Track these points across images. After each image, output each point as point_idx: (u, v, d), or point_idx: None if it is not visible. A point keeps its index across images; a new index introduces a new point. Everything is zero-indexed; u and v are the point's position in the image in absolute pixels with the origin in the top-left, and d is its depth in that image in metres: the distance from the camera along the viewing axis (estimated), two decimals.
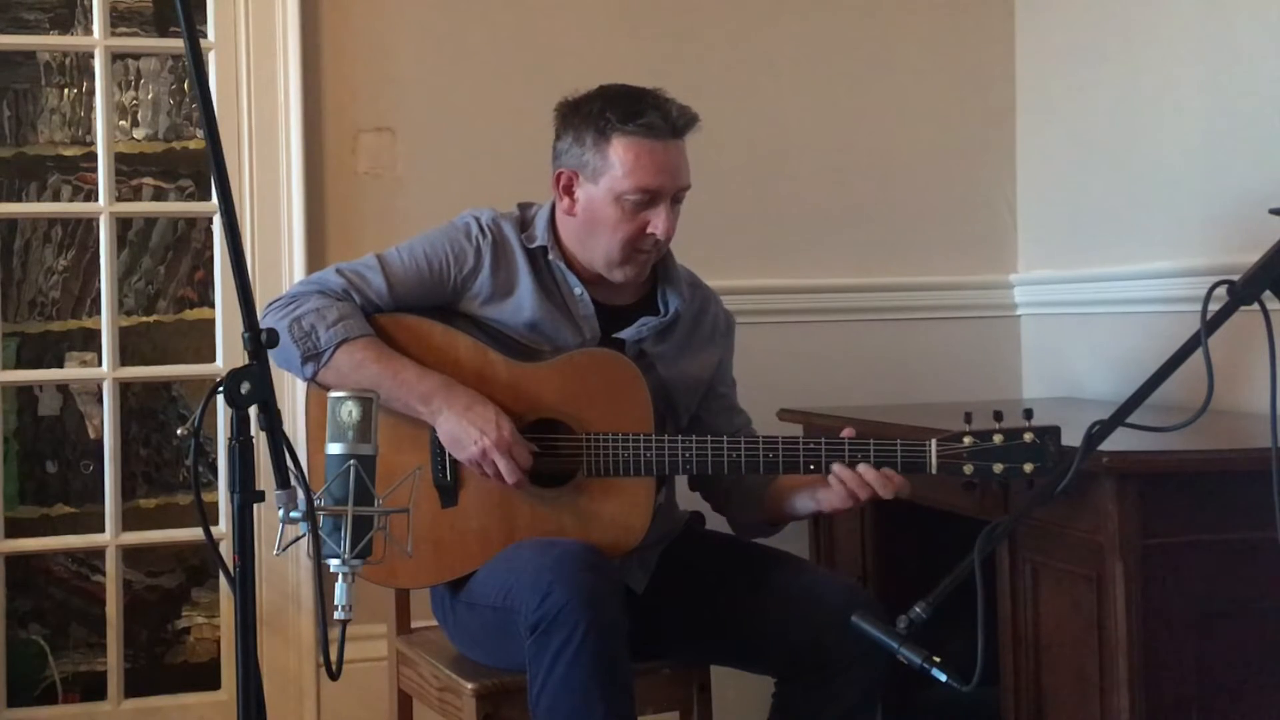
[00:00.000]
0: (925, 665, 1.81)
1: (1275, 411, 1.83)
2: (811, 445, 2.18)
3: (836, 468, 2.16)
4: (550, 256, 2.32)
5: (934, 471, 2.15)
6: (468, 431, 2.17)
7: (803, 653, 2.23)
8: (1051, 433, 2.12)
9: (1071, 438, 2.03)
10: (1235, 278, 1.86)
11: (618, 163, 2.21)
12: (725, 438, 2.21)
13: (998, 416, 2.12)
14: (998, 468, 2.12)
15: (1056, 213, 3.37)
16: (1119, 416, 1.87)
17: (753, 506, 2.38)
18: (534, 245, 2.32)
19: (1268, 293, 1.85)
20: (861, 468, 2.15)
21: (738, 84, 3.34)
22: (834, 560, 3.07)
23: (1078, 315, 3.28)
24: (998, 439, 2.12)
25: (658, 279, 2.38)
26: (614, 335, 2.32)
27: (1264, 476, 1.87)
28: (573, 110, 2.28)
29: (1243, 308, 1.86)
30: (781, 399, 3.13)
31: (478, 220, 2.34)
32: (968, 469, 2.13)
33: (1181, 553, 2.10)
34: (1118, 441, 1.92)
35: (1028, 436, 2.11)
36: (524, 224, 2.35)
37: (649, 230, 2.24)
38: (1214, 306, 1.84)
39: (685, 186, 2.27)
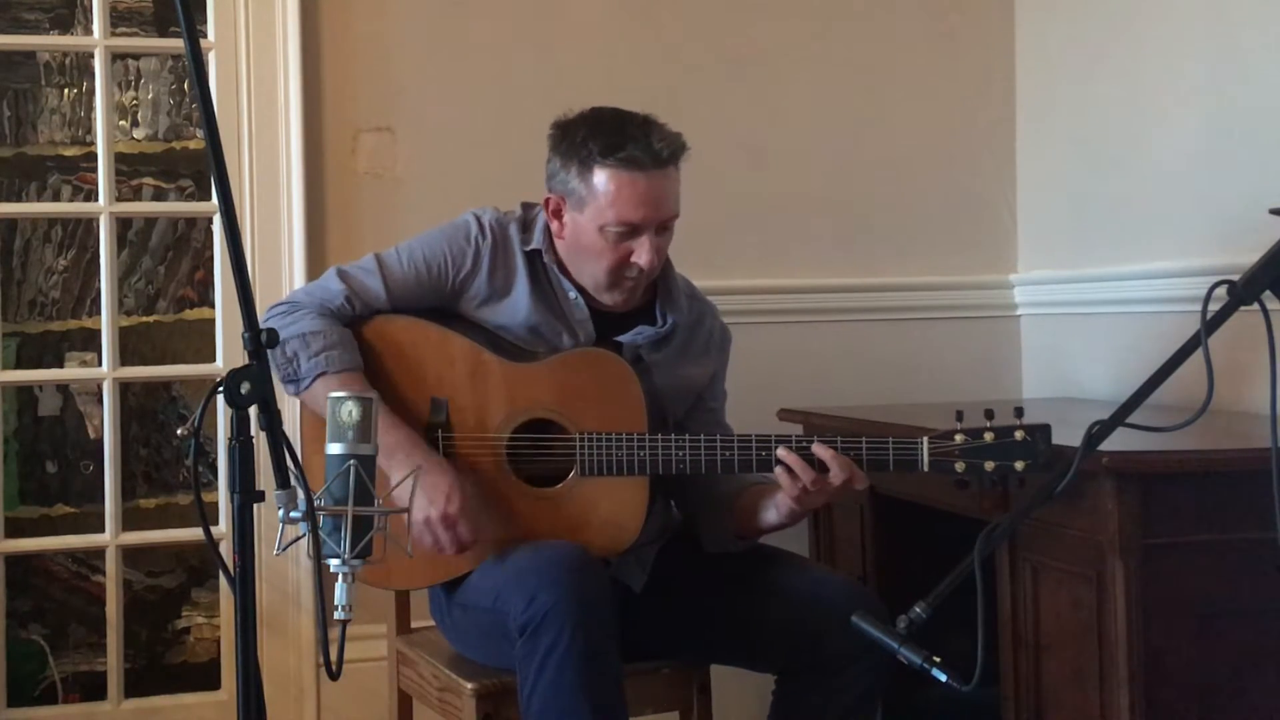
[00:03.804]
0: (925, 665, 1.81)
1: (1275, 411, 1.82)
2: (804, 443, 2.18)
3: (781, 452, 2.14)
4: (546, 260, 2.32)
5: (926, 469, 2.15)
6: (418, 497, 2.14)
7: (803, 651, 2.23)
8: (1042, 430, 2.12)
9: (1071, 438, 2.03)
10: (1235, 278, 1.86)
11: (600, 194, 2.20)
12: (719, 436, 2.21)
13: (989, 414, 2.13)
14: (989, 465, 2.12)
15: (1056, 213, 3.37)
16: (1119, 416, 1.87)
17: (719, 520, 2.34)
18: (530, 248, 2.32)
19: (1268, 293, 1.85)
20: (816, 447, 2.12)
21: (738, 84, 3.34)
22: (834, 560, 3.07)
23: (1078, 315, 3.28)
24: (989, 437, 2.12)
25: (657, 290, 2.38)
26: (615, 339, 2.32)
27: (1264, 476, 1.87)
28: (561, 134, 2.27)
29: (1243, 308, 1.85)
30: (781, 399, 3.13)
31: (479, 220, 2.34)
32: (959, 467, 2.13)
33: (1181, 553, 2.10)
34: (1118, 441, 1.92)
35: (1019, 434, 2.12)
36: (525, 225, 2.36)
37: (633, 260, 2.24)
38: (1214, 306, 1.84)
39: (670, 217, 2.26)
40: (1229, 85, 2.80)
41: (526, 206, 2.40)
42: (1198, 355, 1.84)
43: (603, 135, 2.21)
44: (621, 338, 2.32)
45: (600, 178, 2.20)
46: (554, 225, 2.30)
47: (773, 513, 2.23)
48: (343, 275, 2.31)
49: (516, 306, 2.31)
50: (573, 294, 2.32)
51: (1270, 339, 1.83)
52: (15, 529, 3.33)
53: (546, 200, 2.30)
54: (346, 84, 3.14)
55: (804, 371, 3.31)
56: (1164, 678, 2.09)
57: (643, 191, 2.20)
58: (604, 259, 2.24)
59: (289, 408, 2.55)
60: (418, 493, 2.14)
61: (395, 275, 2.30)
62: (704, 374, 2.43)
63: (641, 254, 2.23)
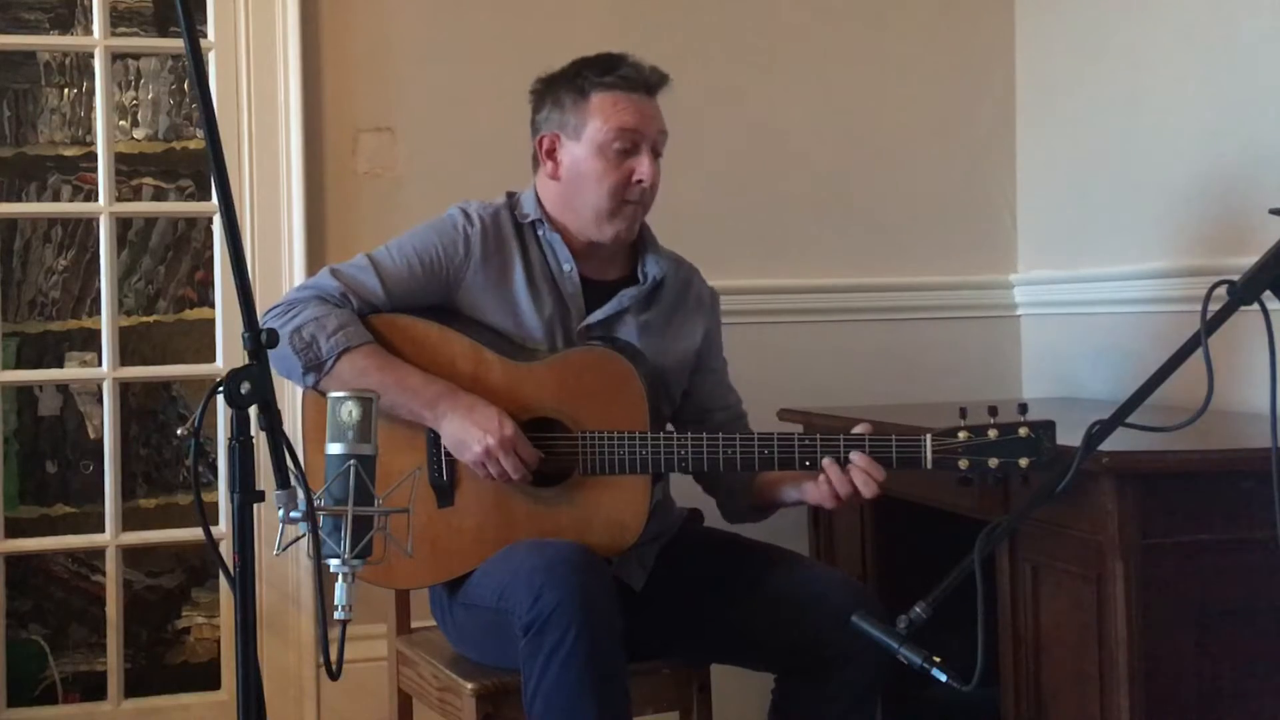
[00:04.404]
0: (925, 665, 1.81)
1: (1275, 411, 1.83)
2: (807, 441, 2.18)
3: (826, 463, 2.18)
4: (541, 231, 2.35)
5: (929, 467, 2.15)
6: (471, 432, 2.18)
7: (802, 649, 2.23)
8: (1046, 427, 2.12)
9: (1071, 438, 2.03)
10: (1235, 278, 1.86)
11: (598, 113, 2.29)
12: (721, 434, 2.21)
13: (992, 411, 2.13)
14: (993, 462, 2.12)
15: (1056, 213, 3.37)
16: (1119, 416, 1.87)
17: (742, 491, 2.40)
18: (526, 220, 2.35)
19: (1268, 293, 1.85)
20: (855, 456, 2.16)
21: (738, 84, 3.34)
22: (834, 560, 3.07)
23: (1078, 315, 3.28)
24: (993, 434, 2.12)
25: (638, 251, 2.41)
26: (584, 323, 2.33)
27: (1264, 476, 1.87)
28: (548, 82, 2.37)
29: (1243, 308, 1.86)
30: (781, 399, 3.13)
31: (465, 211, 2.36)
32: (963, 464, 2.13)
33: (1181, 553, 2.10)
34: (1118, 441, 1.92)
35: (1023, 431, 2.12)
36: (513, 205, 2.39)
37: (634, 178, 2.29)
38: (1214, 306, 1.84)
39: (664, 131, 2.34)
40: (1229, 85, 2.80)
41: (510, 194, 2.42)
42: (1198, 355, 1.84)
43: (595, 64, 2.32)
44: (606, 305, 2.34)
45: (596, 100, 2.30)
46: (547, 167, 2.35)
47: (794, 493, 2.29)
48: (336, 274, 2.32)
49: (514, 290, 2.32)
50: (567, 266, 2.34)
51: (1270, 339, 1.83)
52: (15, 529, 3.33)
53: (540, 140, 2.35)
54: (346, 84, 3.14)
55: (804, 371, 3.31)
56: (1164, 678, 2.08)
57: (639, 106, 2.30)
58: (606, 180, 2.29)
59: (289, 408, 2.56)
60: (470, 429, 2.18)
61: (389, 271, 2.31)
62: (698, 333, 2.45)
63: (642, 169, 2.29)
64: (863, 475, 2.16)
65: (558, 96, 2.33)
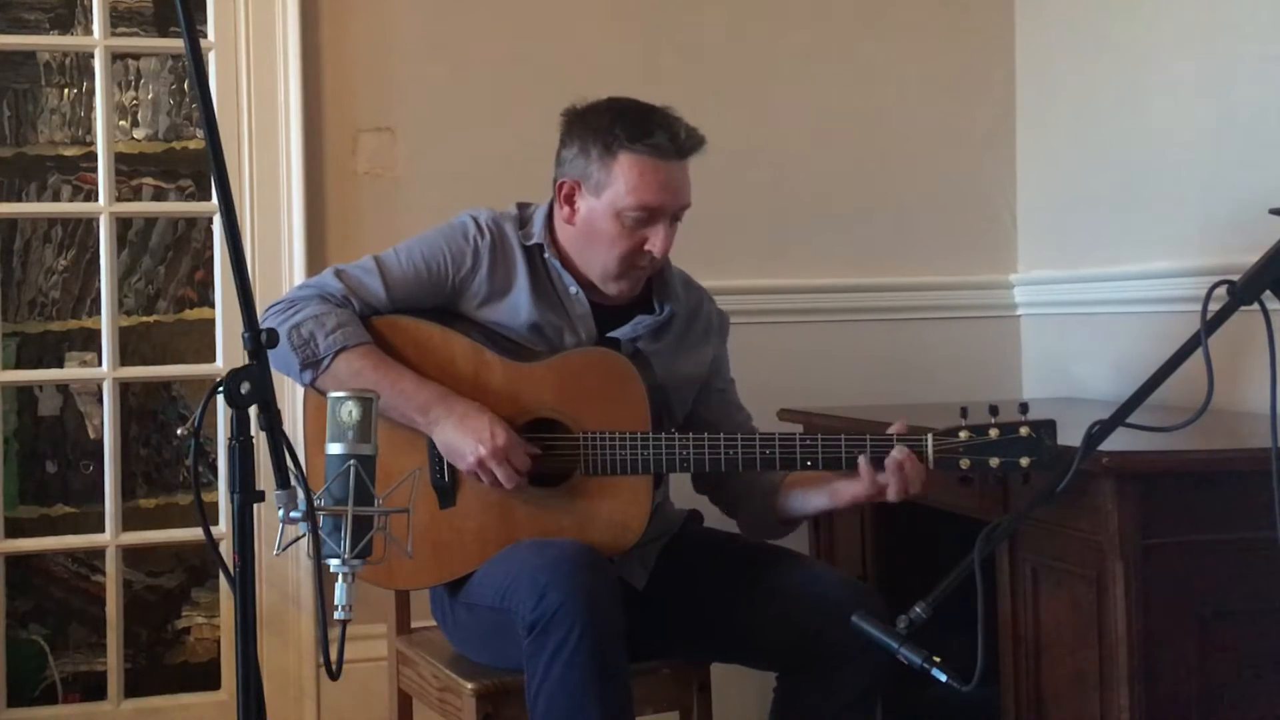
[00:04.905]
0: (925, 665, 1.81)
1: (1275, 411, 1.83)
2: (808, 441, 2.18)
3: (861, 461, 2.16)
4: (546, 255, 2.33)
5: (931, 466, 2.15)
6: (464, 441, 2.18)
7: (803, 647, 2.23)
8: (1047, 426, 2.12)
9: (1071, 438, 2.03)
10: (1235, 278, 1.86)
11: (622, 179, 2.22)
12: (722, 435, 2.21)
13: (993, 411, 2.13)
14: (994, 462, 2.12)
15: (1056, 213, 3.37)
16: (1119, 416, 1.87)
17: (765, 508, 2.37)
18: (530, 243, 2.33)
19: (1268, 293, 1.85)
20: (895, 452, 2.14)
21: (738, 83, 3.34)
22: (834, 559, 3.07)
23: (1078, 315, 3.28)
24: (993, 433, 2.12)
25: (652, 279, 2.39)
26: (609, 335, 2.33)
27: (1264, 476, 1.87)
28: (580, 120, 2.29)
29: (1243, 308, 1.86)
30: (781, 399, 3.13)
31: (475, 220, 2.35)
32: (964, 463, 2.13)
33: (1181, 553, 2.10)
34: (1118, 441, 1.92)
35: (1023, 430, 2.12)
36: (522, 222, 2.37)
37: (646, 247, 2.25)
38: (1214, 306, 1.84)
39: (686, 205, 2.28)
40: (1229, 85, 2.80)
41: (522, 206, 2.41)
42: (1198, 355, 1.84)
43: (630, 122, 2.23)
44: (621, 330, 2.33)
45: (624, 163, 2.22)
46: (564, 211, 2.30)
47: (825, 500, 2.27)
48: (340, 275, 2.32)
49: (517, 304, 2.31)
50: (574, 289, 2.32)
51: (1270, 339, 1.83)
52: (15, 529, 3.33)
53: (560, 185, 2.30)
54: (346, 84, 3.14)
55: (804, 371, 3.31)
56: (1164, 678, 2.09)
57: (664, 178, 2.23)
58: (617, 246, 2.25)
59: (289, 408, 2.56)
60: (463, 438, 2.18)
61: (394, 275, 2.31)
62: (705, 359, 2.45)
63: (656, 241, 2.25)
64: (897, 470, 2.15)
65: (585, 144, 2.25)
